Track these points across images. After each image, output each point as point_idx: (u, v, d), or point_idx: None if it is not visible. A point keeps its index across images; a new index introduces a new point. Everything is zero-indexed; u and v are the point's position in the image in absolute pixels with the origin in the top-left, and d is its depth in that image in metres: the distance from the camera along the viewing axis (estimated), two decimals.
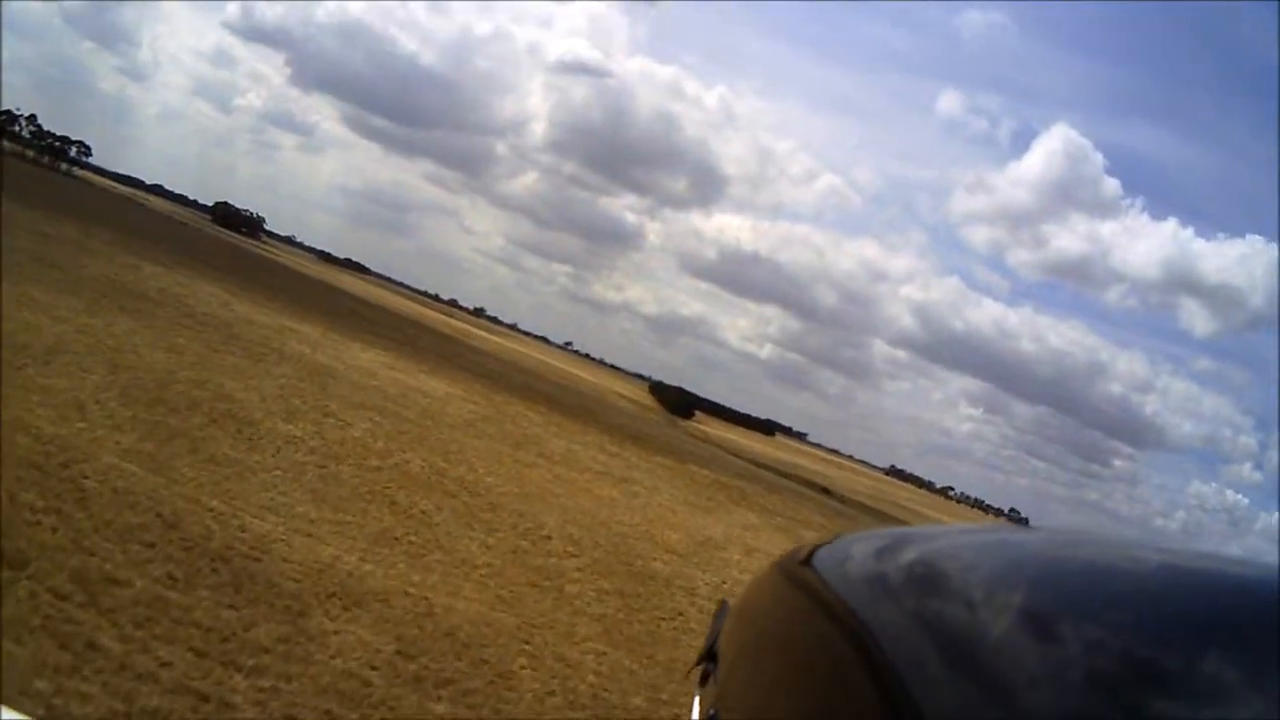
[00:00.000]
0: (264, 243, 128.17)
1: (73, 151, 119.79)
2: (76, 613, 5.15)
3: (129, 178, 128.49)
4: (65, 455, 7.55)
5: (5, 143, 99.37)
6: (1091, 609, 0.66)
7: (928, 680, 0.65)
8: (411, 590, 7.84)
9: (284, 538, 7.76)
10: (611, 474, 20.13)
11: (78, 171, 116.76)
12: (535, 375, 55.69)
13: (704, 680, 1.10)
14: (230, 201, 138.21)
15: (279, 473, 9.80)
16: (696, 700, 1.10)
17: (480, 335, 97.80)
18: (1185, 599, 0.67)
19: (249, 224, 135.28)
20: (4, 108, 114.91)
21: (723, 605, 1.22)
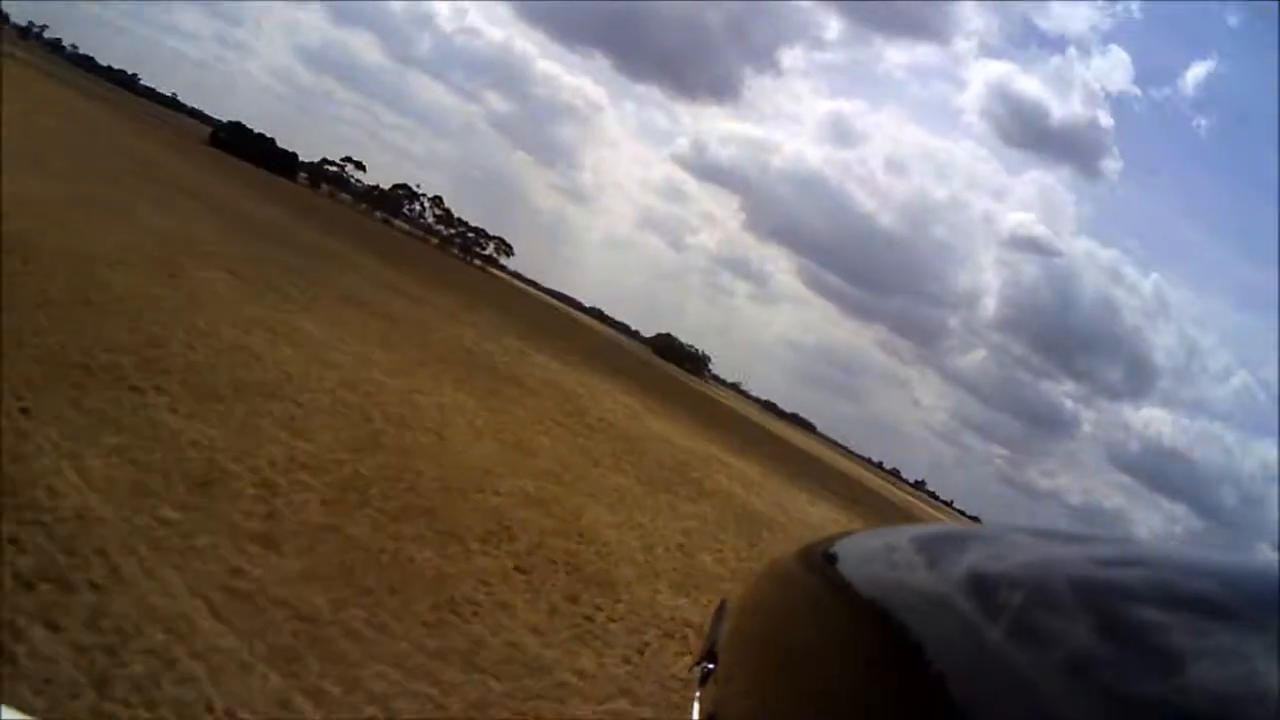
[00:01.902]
0: (706, 381, 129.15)
1: (489, 247, 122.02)
2: None
3: (563, 295, 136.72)
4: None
5: (398, 220, 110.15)
6: (1102, 608, 0.68)
7: (935, 679, 0.67)
8: None
9: None
10: None
11: (490, 269, 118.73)
12: None
13: (703, 680, 1.18)
14: (676, 336, 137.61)
15: None
16: (696, 701, 1.17)
17: (922, 508, 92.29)
18: (1200, 594, 0.68)
19: (693, 360, 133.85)
20: (404, 182, 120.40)
21: (722, 605, 1.34)
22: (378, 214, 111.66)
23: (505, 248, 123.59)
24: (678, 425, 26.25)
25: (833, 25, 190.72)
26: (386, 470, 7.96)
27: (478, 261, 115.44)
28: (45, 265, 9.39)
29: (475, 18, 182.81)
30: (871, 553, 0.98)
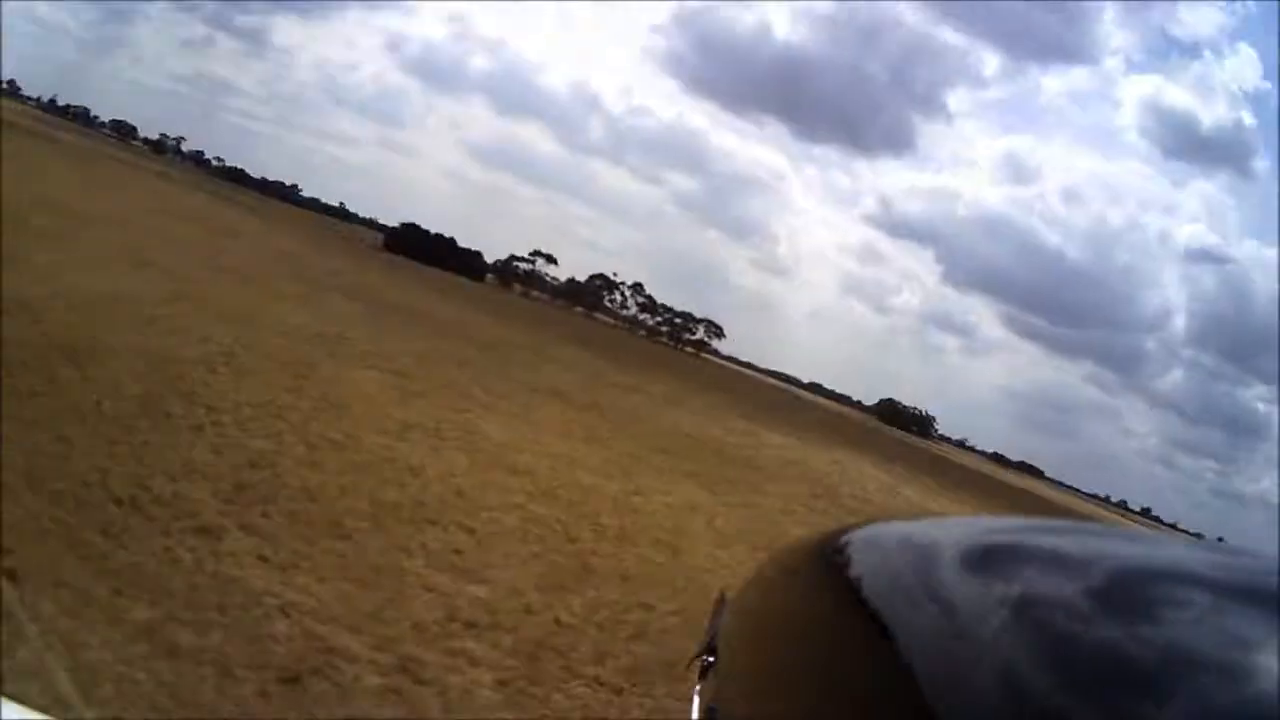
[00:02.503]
0: (935, 442, 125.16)
1: (699, 331, 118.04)
2: None
3: (780, 373, 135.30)
4: None
5: (599, 314, 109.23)
6: (1112, 603, 0.68)
7: (940, 675, 0.67)
8: None
9: None
10: None
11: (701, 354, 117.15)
12: None
13: (703, 674, 1.19)
14: (899, 400, 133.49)
15: None
16: (696, 695, 1.18)
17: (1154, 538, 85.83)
18: (1229, 591, 0.69)
19: (919, 423, 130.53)
20: (600, 272, 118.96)
21: (722, 598, 1.37)
22: (578, 309, 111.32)
23: (715, 330, 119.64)
24: (929, 493, 25.04)
25: (989, 61, 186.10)
26: (601, 611, 6.03)
27: (688, 348, 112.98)
28: (112, 370, 7.86)
29: (642, 96, 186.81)
30: (872, 546, 0.98)
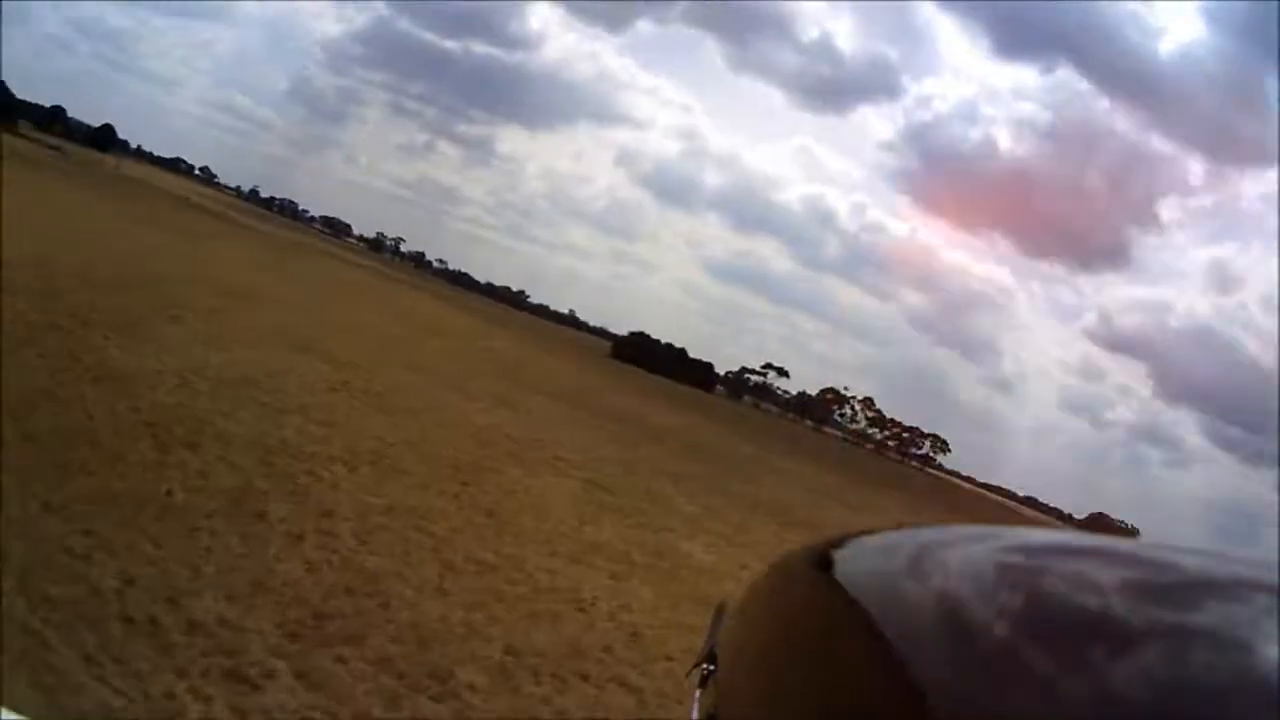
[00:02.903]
0: None
1: (925, 446, 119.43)
2: None
3: (997, 487, 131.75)
4: None
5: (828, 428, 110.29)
6: (1101, 611, 0.69)
7: (936, 682, 0.66)
8: None
9: None
10: None
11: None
12: None
13: (703, 682, 1.17)
14: (1107, 514, 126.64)
15: None
16: (695, 703, 1.16)
17: None
18: (1212, 594, 0.71)
19: (1125, 536, 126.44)
20: (831, 386, 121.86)
21: (722, 606, 1.30)
22: (807, 421, 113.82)
23: (941, 445, 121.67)
24: None
25: (1195, 169, 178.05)
26: None
27: (914, 462, 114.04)
28: (206, 458, 6.83)
29: (875, 213, 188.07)
30: (872, 555, 0.98)
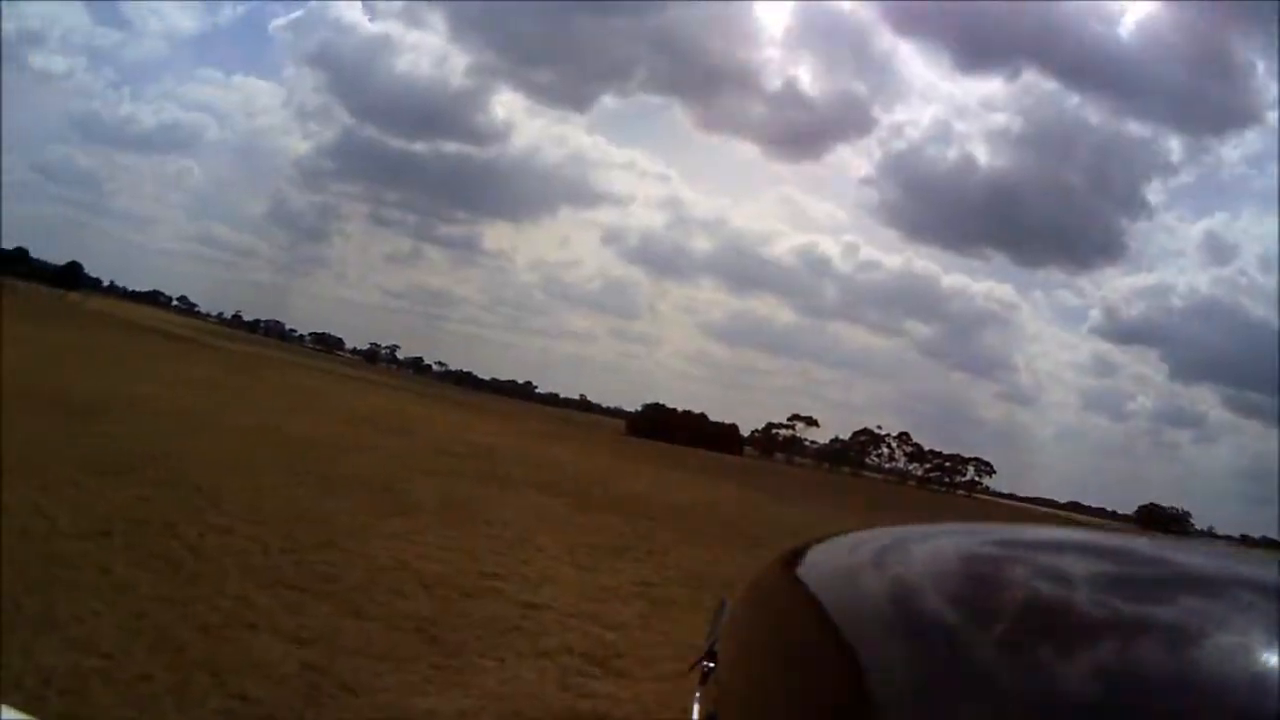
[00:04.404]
0: (1192, 538, 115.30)
1: (968, 471, 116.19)
2: None
3: (1039, 498, 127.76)
4: None
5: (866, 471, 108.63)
6: (1092, 611, 0.70)
7: (945, 681, 0.66)
8: None
9: None
10: None
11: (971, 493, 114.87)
12: None
13: (704, 680, 1.16)
14: (1157, 503, 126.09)
15: None
16: (696, 700, 1.15)
17: None
18: (1184, 596, 0.72)
19: (1176, 521, 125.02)
20: (864, 427, 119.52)
21: (722, 604, 1.31)
22: (844, 468, 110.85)
23: (985, 467, 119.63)
24: None
25: (1174, 146, 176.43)
26: None
27: (960, 490, 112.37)
28: None
29: (868, 250, 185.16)
30: (872, 552, 1.00)
